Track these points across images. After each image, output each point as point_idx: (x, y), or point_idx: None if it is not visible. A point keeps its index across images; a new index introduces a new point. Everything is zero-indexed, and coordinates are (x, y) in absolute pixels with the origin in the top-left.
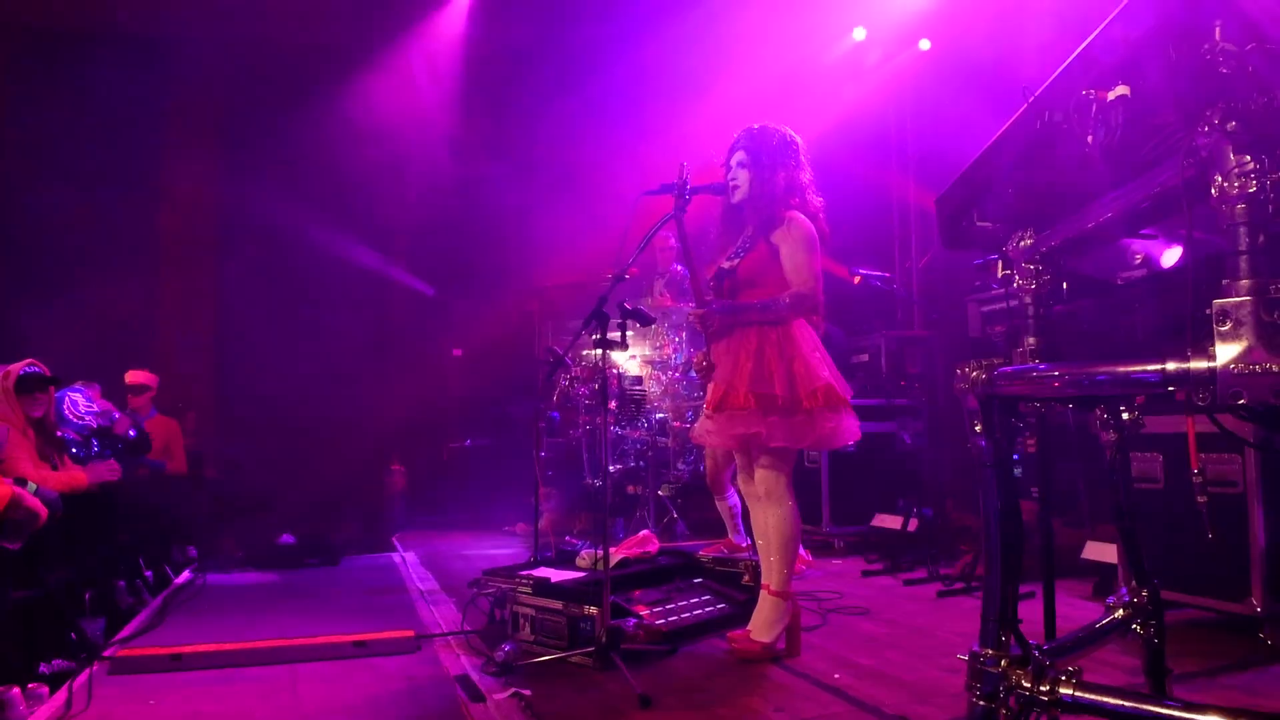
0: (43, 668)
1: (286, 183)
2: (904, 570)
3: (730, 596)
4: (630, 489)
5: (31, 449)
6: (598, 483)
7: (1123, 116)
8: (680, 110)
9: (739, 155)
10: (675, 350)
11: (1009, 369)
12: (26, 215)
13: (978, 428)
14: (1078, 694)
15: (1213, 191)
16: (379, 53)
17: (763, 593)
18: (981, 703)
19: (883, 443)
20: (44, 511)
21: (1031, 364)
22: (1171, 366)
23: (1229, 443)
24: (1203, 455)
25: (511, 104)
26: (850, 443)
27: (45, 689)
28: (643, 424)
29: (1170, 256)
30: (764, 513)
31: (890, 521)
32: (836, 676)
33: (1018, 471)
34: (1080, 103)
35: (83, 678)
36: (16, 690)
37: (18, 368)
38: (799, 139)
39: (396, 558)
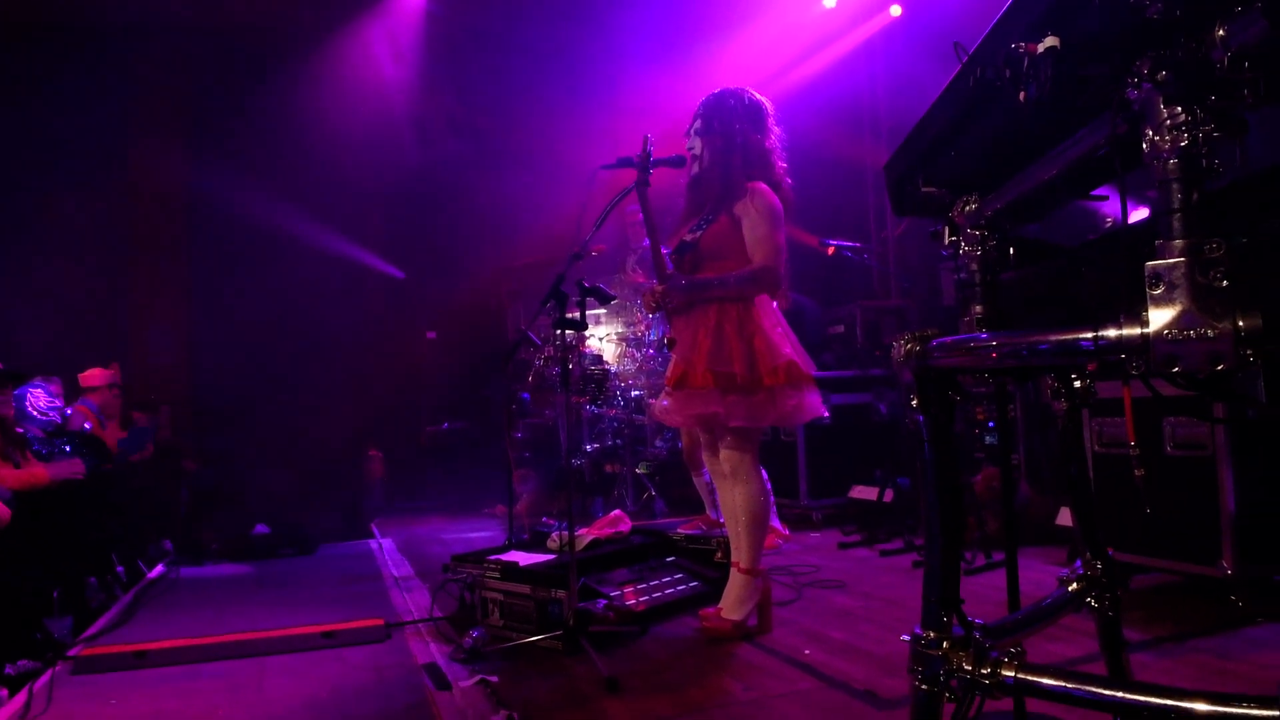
0: (8, 669)
1: (254, 170)
2: (881, 541)
3: (703, 574)
4: (608, 468)
5: None
6: (576, 463)
7: (1053, 70)
8: (650, 82)
9: (697, 124)
10: (649, 327)
11: (945, 340)
12: None
13: (914, 402)
14: (1020, 676)
15: (1144, 146)
16: (341, 34)
17: (733, 570)
18: (923, 687)
19: (859, 414)
20: (6, 513)
21: (969, 334)
22: (1105, 333)
23: (1198, 405)
24: (1172, 419)
25: (477, 82)
26: (813, 419)
27: (4, 691)
28: (618, 402)
29: (1137, 218)
30: (730, 491)
31: (867, 493)
32: (807, 652)
33: (990, 440)
34: (1011, 57)
35: (44, 679)
36: None
37: None
38: (765, 102)
39: (374, 544)
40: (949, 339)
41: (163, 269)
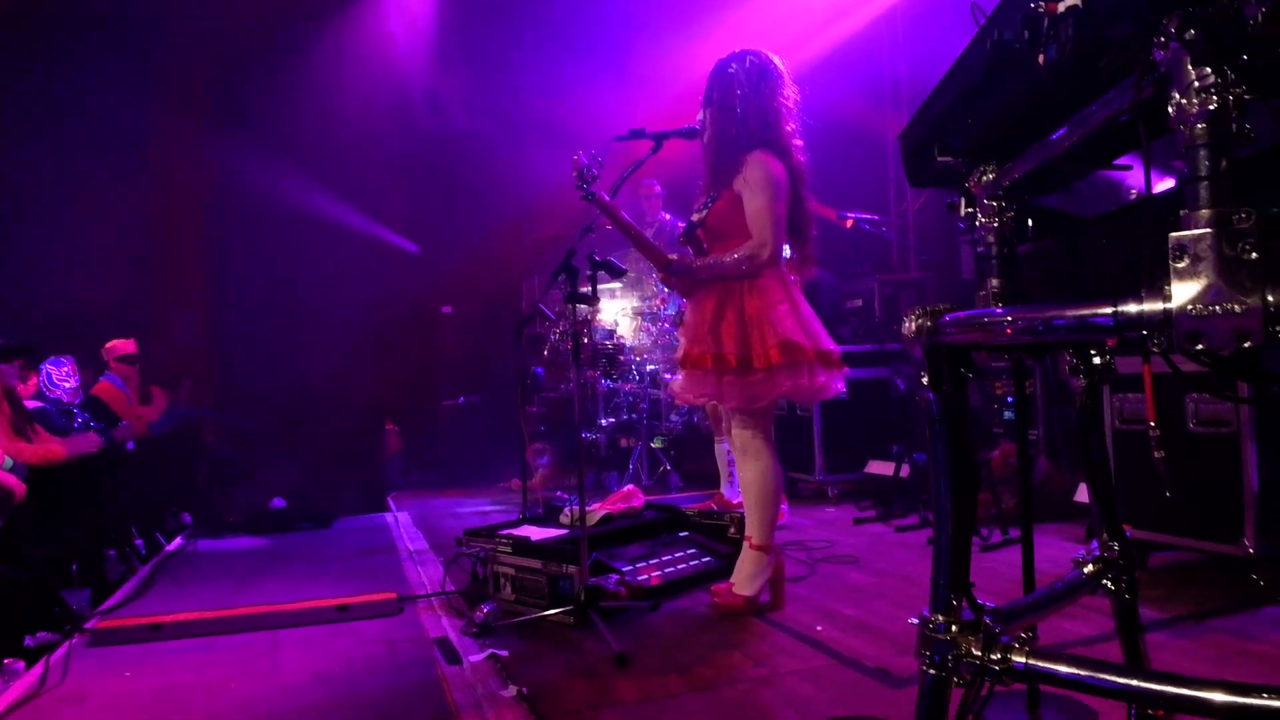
0: (27, 640)
1: (272, 147)
2: (896, 517)
3: (716, 550)
4: (623, 442)
5: (5, 421)
6: (591, 437)
7: (1074, 31)
8: (667, 51)
9: (705, 94)
10: (664, 302)
11: (957, 315)
12: (14, 188)
13: (925, 380)
14: (1031, 662)
15: (1170, 110)
16: (355, 9)
17: (745, 546)
18: (931, 672)
19: (876, 389)
20: (21, 488)
21: (983, 309)
22: (1125, 309)
23: (1222, 382)
24: (1194, 395)
25: (492, 53)
26: (820, 400)
27: (21, 664)
28: (634, 376)
29: (1162, 189)
30: (742, 468)
31: (883, 468)
32: (819, 629)
33: (1009, 415)
34: (1030, 17)
35: (60, 651)
36: None
37: None
38: (774, 60)
39: (389, 518)
40: (961, 314)
41: (183, 244)
